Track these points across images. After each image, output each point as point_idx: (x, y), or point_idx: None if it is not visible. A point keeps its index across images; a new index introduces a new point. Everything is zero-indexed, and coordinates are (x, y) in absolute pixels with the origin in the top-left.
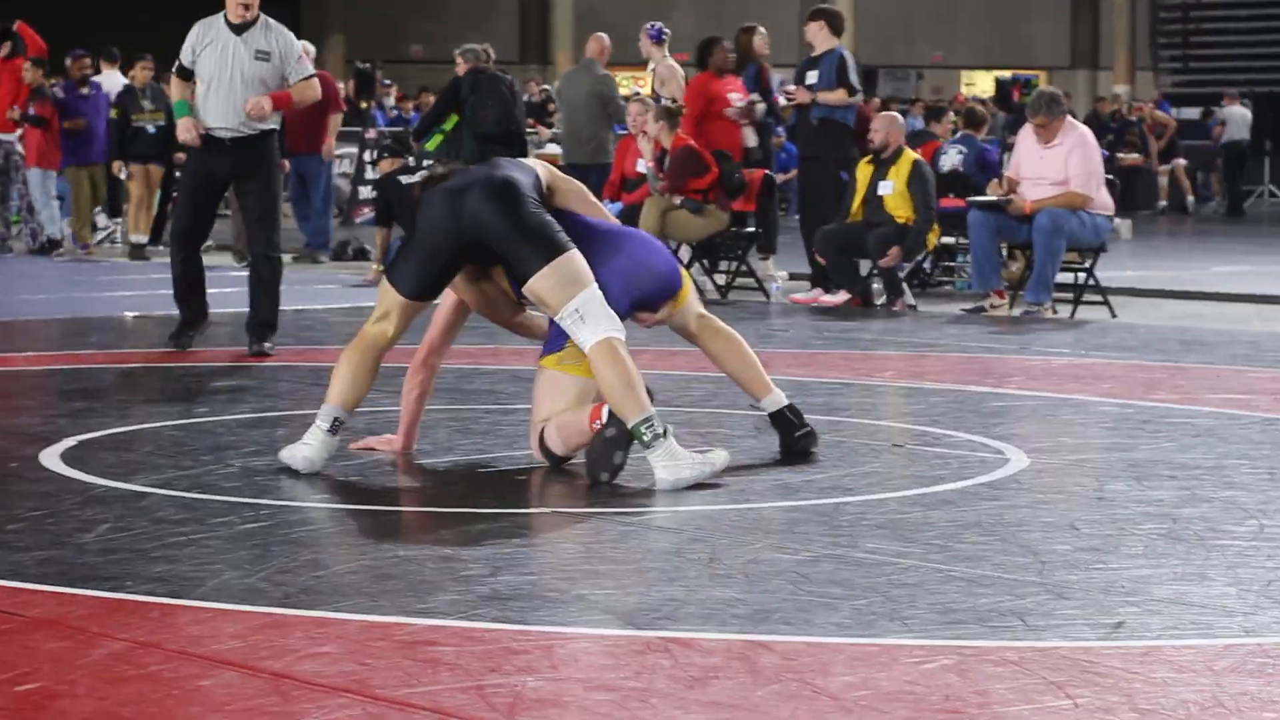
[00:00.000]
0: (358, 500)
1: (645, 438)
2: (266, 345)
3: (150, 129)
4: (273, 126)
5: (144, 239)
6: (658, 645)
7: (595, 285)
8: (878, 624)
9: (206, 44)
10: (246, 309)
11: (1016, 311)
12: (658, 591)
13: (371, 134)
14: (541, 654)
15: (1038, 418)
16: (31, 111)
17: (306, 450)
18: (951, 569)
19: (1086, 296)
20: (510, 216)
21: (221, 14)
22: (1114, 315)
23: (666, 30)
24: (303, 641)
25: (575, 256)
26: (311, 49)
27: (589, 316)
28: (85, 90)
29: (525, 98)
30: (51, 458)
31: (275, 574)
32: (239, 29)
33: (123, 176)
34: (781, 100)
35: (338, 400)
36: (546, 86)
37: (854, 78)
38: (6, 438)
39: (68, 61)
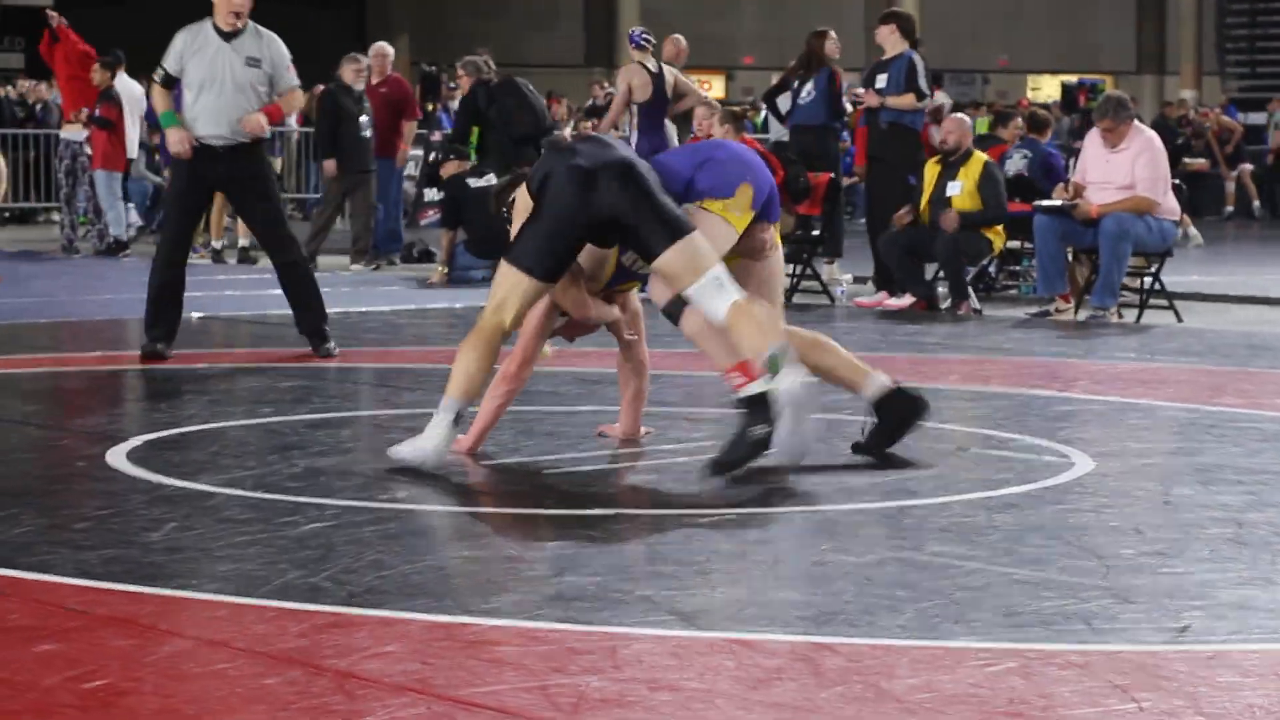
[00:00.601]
0: (422, 501)
1: (777, 370)
2: (329, 346)
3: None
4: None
5: (245, 241)
6: (721, 646)
7: (721, 264)
8: (942, 627)
9: (195, 51)
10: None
11: (1082, 316)
12: (722, 593)
13: (437, 137)
14: (605, 655)
15: (1103, 422)
16: (98, 113)
17: (430, 443)
18: (1016, 572)
19: (1152, 301)
20: (644, 197)
21: (208, 20)
22: (1180, 320)
23: (649, 36)
24: (367, 641)
25: (699, 236)
26: (389, 50)
27: (725, 285)
28: None
29: (590, 101)
30: (118, 457)
31: (340, 573)
32: (229, 36)
33: None
34: (848, 105)
35: (459, 393)
36: (610, 89)
37: (923, 82)
38: (74, 437)
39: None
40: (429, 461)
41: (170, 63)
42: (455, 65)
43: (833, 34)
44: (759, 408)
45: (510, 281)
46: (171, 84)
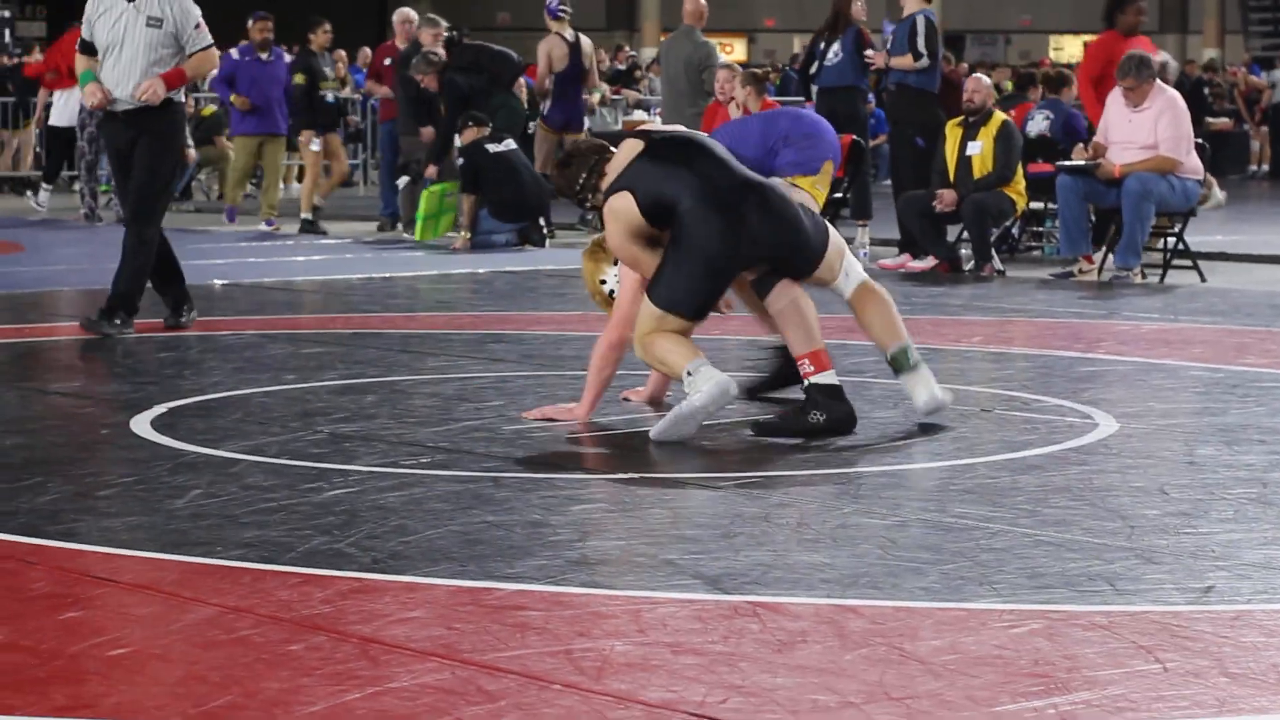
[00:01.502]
0: (445, 466)
1: (910, 360)
2: (115, 323)
3: (330, 98)
4: (174, 98)
5: (307, 215)
6: (745, 610)
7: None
8: (966, 589)
9: (101, 13)
10: (329, 277)
11: (1105, 276)
12: (745, 556)
13: None
14: (629, 618)
15: (1127, 383)
16: None
17: (704, 391)
18: (1040, 534)
19: (1176, 261)
20: (786, 221)
21: None
22: (1203, 280)
23: (565, 7)
24: (391, 606)
25: (830, 230)
26: (413, 15)
27: (852, 270)
28: (266, 56)
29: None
30: (142, 424)
31: (364, 539)
32: None
33: (314, 148)
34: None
35: (687, 356)
36: (633, 53)
37: (922, 43)
38: (98, 405)
39: (250, 22)
40: (718, 395)
41: (85, 28)
42: (477, 29)
43: None
44: (823, 397)
45: (655, 318)
46: (91, 50)
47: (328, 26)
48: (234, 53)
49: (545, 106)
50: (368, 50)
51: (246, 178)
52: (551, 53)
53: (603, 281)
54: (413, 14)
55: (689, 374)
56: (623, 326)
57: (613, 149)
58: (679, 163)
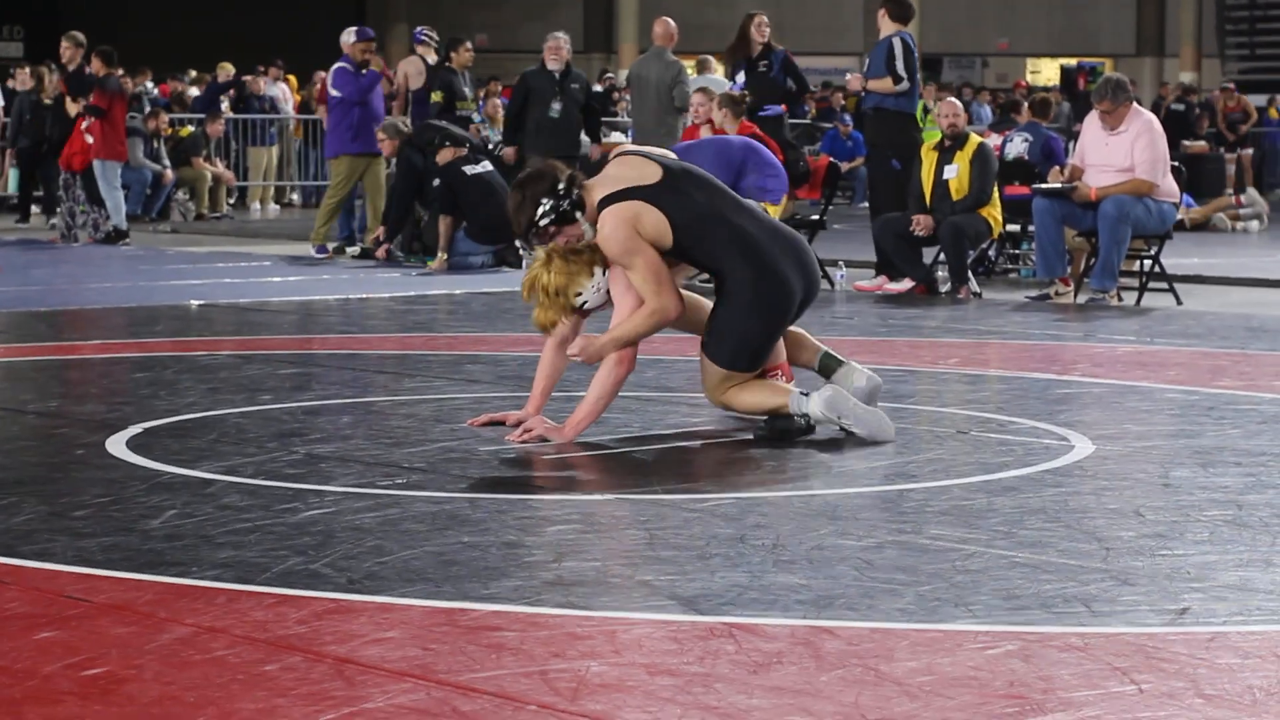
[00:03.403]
0: (421, 487)
1: (836, 358)
2: None
3: (476, 118)
4: None
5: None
6: (721, 630)
7: None
8: (942, 610)
9: None
10: (305, 298)
11: (1081, 299)
12: (721, 577)
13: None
14: (605, 639)
15: (1102, 404)
16: (91, 102)
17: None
18: (1016, 555)
19: (1152, 283)
20: (818, 273)
21: None
22: (1179, 302)
23: (429, 33)
24: (367, 627)
25: None
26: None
27: None
28: (365, 70)
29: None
30: (118, 445)
31: (339, 559)
32: None
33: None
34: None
35: (779, 397)
36: (610, 75)
37: (900, 66)
38: (73, 425)
39: (348, 39)
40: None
41: None
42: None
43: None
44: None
45: (721, 377)
46: None
47: (469, 45)
48: (334, 71)
49: (407, 121)
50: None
51: (343, 206)
52: (408, 71)
53: (578, 294)
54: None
55: (799, 413)
56: (631, 353)
57: (579, 173)
58: (711, 207)
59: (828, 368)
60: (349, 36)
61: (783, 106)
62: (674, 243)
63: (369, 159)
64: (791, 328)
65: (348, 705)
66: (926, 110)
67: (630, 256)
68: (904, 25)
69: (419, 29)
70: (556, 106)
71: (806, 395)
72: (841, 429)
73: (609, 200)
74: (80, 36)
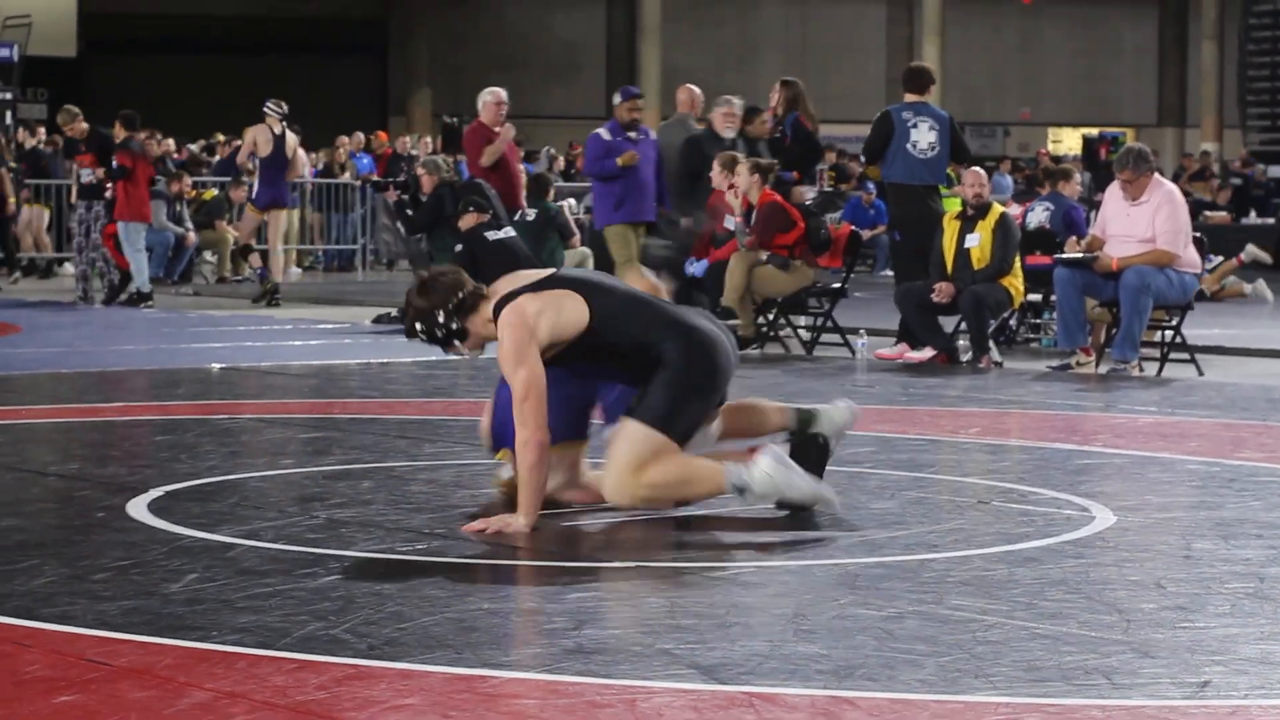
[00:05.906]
0: (443, 553)
1: (807, 410)
2: None
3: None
4: None
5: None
6: (741, 700)
7: None
8: (962, 681)
9: None
10: (327, 362)
11: (1103, 369)
12: (741, 646)
13: None
14: (625, 708)
15: (1124, 476)
16: (115, 163)
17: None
18: (1037, 626)
19: (1173, 354)
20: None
21: None
22: (1201, 373)
23: (275, 106)
24: (387, 693)
25: None
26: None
27: None
28: (635, 136)
29: None
30: (139, 508)
31: (360, 625)
32: None
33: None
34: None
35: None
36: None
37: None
38: (94, 487)
39: (616, 99)
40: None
41: None
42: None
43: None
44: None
45: (664, 450)
46: None
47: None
48: (604, 133)
49: (252, 189)
50: (361, 135)
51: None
52: (257, 139)
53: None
54: (696, 90)
55: (738, 486)
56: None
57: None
58: (618, 292)
59: (805, 421)
60: (617, 98)
61: (795, 174)
62: (591, 326)
63: (641, 227)
64: (748, 400)
65: None
66: (951, 182)
67: (520, 356)
68: (920, 95)
69: (269, 102)
70: None
71: (758, 468)
72: (778, 504)
73: (524, 290)
74: (75, 109)
